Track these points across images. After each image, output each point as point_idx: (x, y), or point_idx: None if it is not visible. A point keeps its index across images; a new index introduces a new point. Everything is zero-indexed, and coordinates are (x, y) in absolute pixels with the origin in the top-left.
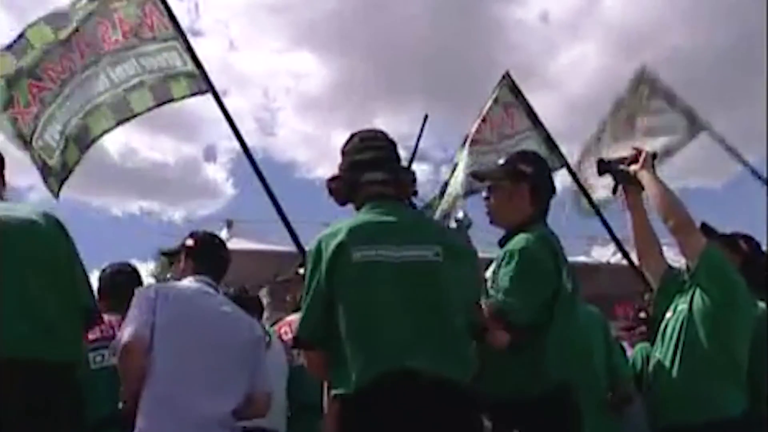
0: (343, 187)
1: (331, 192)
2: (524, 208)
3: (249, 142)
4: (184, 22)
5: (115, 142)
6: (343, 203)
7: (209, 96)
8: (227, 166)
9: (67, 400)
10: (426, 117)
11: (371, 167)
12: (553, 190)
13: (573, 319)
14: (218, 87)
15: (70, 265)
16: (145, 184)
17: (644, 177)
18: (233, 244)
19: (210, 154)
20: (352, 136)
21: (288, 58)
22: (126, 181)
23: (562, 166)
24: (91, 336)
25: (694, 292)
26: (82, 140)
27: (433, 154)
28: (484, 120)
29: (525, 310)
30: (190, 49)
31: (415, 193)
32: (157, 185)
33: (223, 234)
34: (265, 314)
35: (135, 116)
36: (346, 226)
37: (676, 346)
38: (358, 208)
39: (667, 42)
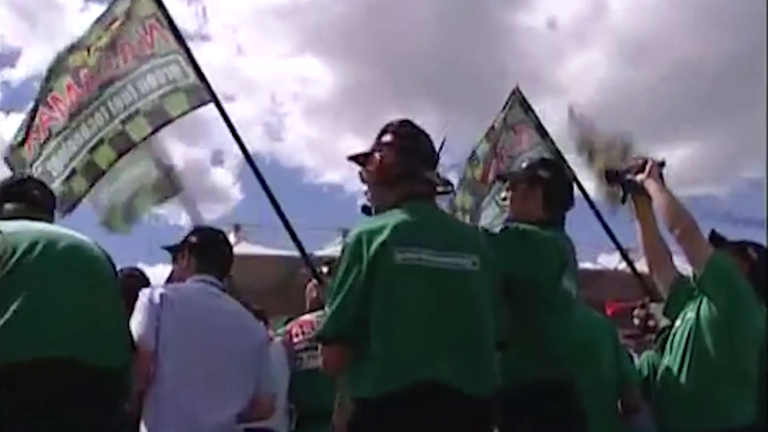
0: (400, 177)
1: (380, 174)
2: (537, 211)
3: (256, 147)
4: (191, 27)
5: None
6: (382, 194)
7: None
8: (235, 170)
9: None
10: (444, 140)
11: (430, 164)
12: (570, 200)
13: (571, 318)
14: (225, 92)
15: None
16: None
17: (651, 186)
18: (241, 249)
19: (217, 159)
20: (401, 125)
21: (295, 62)
22: None
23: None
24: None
25: (701, 301)
26: (89, 173)
27: (442, 161)
28: (496, 154)
29: None
30: (192, 60)
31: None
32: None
33: (231, 238)
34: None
35: (135, 146)
36: (391, 223)
37: (684, 354)
38: (396, 200)
39: (674, 50)
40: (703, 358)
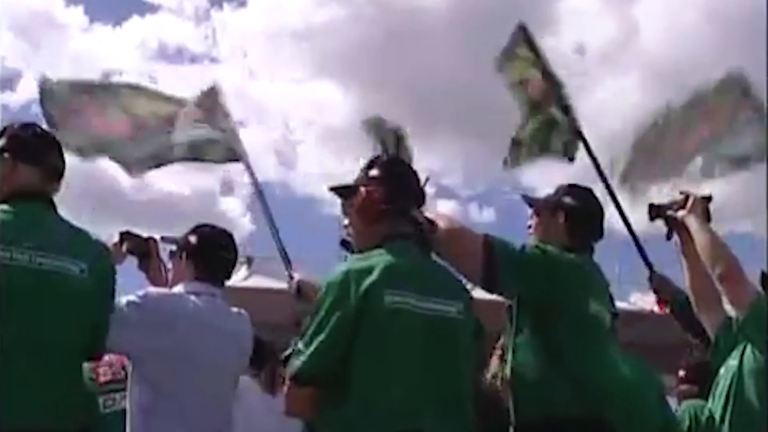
0: (381, 212)
1: (366, 208)
2: (560, 238)
3: (267, 176)
4: (200, 50)
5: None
6: (364, 230)
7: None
8: (245, 200)
9: None
10: (427, 178)
11: (415, 202)
12: (598, 229)
13: (603, 347)
14: (235, 117)
15: None
16: (159, 216)
17: (691, 223)
18: (253, 282)
19: (227, 188)
20: (391, 161)
21: (309, 87)
22: (139, 213)
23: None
24: (102, 378)
25: (745, 347)
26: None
27: (460, 192)
28: None
29: None
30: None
31: None
32: (171, 218)
33: (242, 271)
34: None
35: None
36: (381, 264)
37: (726, 403)
38: (378, 239)
39: (706, 76)
40: (745, 408)
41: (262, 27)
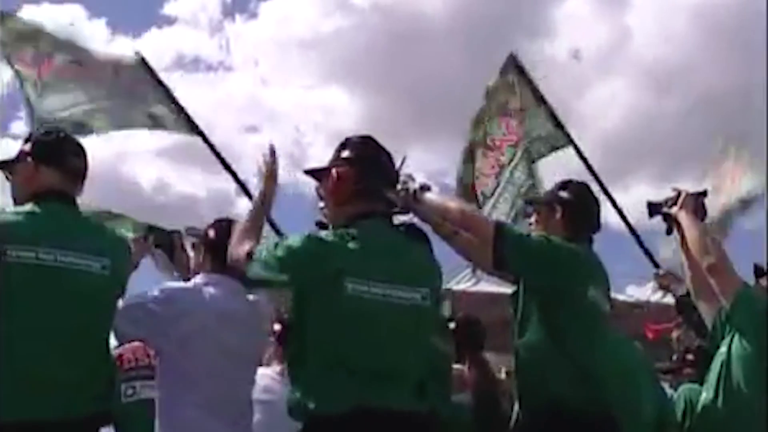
0: (357, 194)
1: (336, 188)
2: (558, 231)
3: (280, 177)
4: (214, 59)
5: (148, 176)
6: (336, 209)
7: (243, 131)
8: None
9: None
10: (404, 159)
11: (390, 183)
12: (594, 222)
13: (601, 332)
14: (249, 123)
15: None
16: (177, 218)
17: (682, 218)
18: None
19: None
20: (362, 141)
21: (319, 93)
22: (158, 215)
23: (569, 143)
24: (126, 365)
25: (733, 335)
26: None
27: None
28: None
29: None
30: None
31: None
32: (189, 220)
33: None
34: None
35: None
36: (344, 248)
37: (716, 390)
38: (348, 217)
39: (700, 80)
40: (734, 395)
41: (272, 37)
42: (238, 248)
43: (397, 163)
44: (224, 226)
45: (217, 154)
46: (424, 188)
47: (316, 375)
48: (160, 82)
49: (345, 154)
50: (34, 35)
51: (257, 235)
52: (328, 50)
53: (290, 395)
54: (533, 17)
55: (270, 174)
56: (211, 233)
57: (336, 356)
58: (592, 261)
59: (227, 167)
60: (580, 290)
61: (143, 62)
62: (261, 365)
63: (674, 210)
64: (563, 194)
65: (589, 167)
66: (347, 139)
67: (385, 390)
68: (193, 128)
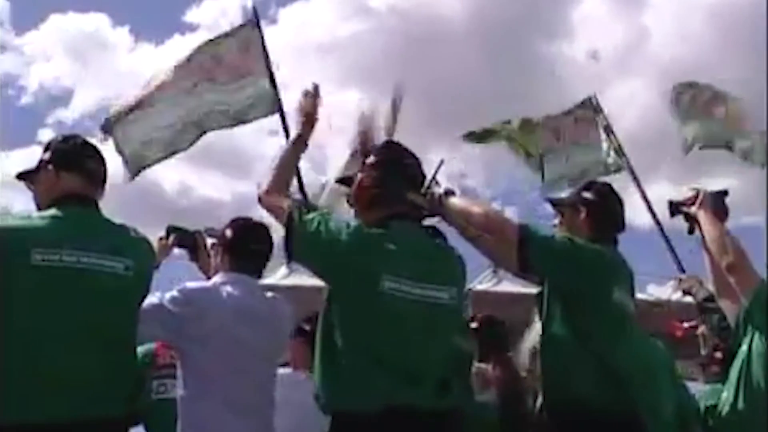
0: (378, 198)
1: (358, 194)
2: (583, 232)
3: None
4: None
5: (171, 179)
6: (362, 213)
7: (264, 134)
8: None
9: None
10: (441, 162)
11: (414, 187)
12: (619, 221)
13: (626, 333)
14: (269, 128)
15: None
16: (201, 221)
17: (701, 217)
18: (292, 280)
19: None
20: (392, 143)
21: (337, 97)
22: (182, 218)
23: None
24: (161, 361)
25: (753, 333)
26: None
27: (483, 192)
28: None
29: None
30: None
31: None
32: (212, 222)
33: (282, 270)
34: None
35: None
36: (381, 247)
37: (737, 388)
38: (375, 219)
39: (717, 79)
40: (755, 392)
41: (291, 42)
42: (274, 196)
43: (433, 168)
44: (240, 225)
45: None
46: (449, 193)
47: (347, 371)
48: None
49: (369, 160)
50: None
51: (289, 180)
52: (346, 54)
53: (319, 390)
54: (550, 19)
55: (308, 114)
56: (229, 233)
57: (368, 353)
58: (616, 262)
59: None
60: (604, 291)
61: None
62: (287, 364)
63: (693, 209)
64: (587, 195)
65: (654, 216)
66: (373, 146)
67: (414, 388)
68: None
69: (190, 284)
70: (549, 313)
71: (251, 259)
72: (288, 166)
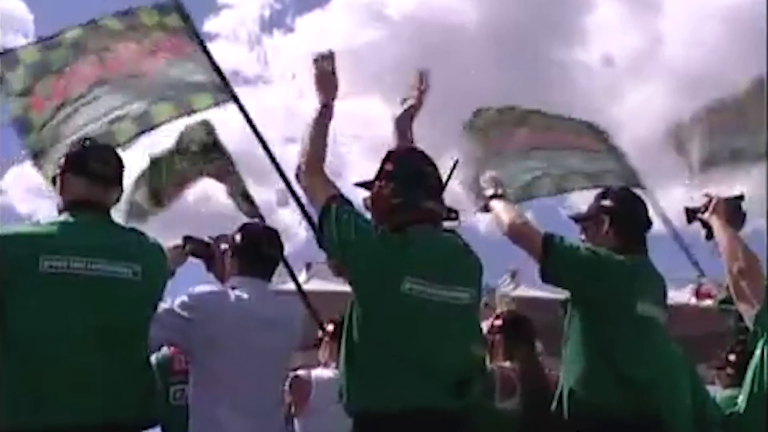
0: (397, 207)
1: (376, 203)
2: (609, 241)
3: None
4: (253, 72)
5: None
6: (380, 221)
7: (283, 142)
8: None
9: None
10: (456, 162)
11: (432, 195)
12: (643, 222)
13: (648, 344)
14: (287, 134)
15: None
16: (219, 228)
17: (714, 223)
18: (312, 285)
19: (282, 199)
20: (410, 151)
21: (355, 104)
22: (202, 225)
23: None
24: (177, 366)
25: (766, 338)
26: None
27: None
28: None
29: None
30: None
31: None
32: (231, 230)
33: (302, 275)
34: None
35: (157, 126)
36: (403, 249)
37: (750, 393)
38: (395, 226)
39: (732, 83)
40: (766, 398)
41: (309, 50)
42: (313, 177)
43: (447, 169)
44: (248, 229)
45: (255, 131)
46: (494, 196)
47: (368, 371)
48: (201, 42)
49: (388, 167)
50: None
51: (323, 153)
52: (363, 62)
53: (342, 390)
54: (564, 25)
55: (328, 78)
56: (238, 237)
57: (389, 353)
58: (641, 272)
59: (264, 147)
60: (626, 303)
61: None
62: (320, 364)
63: (706, 215)
64: (606, 203)
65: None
66: (390, 152)
67: (434, 388)
68: (232, 95)
69: (199, 288)
70: (571, 322)
71: (261, 262)
72: (319, 139)
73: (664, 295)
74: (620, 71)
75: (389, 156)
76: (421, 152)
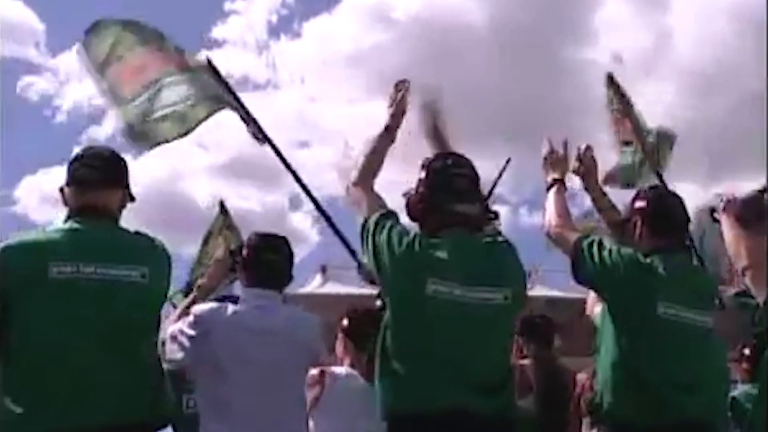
0: (427, 212)
1: (409, 210)
2: (645, 241)
3: (333, 191)
4: (262, 77)
5: (202, 191)
6: (415, 220)
7: (294, 146)
8: (313, 213)
9: None
10: (508, 160)
11: (463, 198)
12: (678, 220)
13: (673, 348)
14: (298, 139)
15: None
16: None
17: (723, 221)
18: (328, 289)
19: (295, 203)
20: (442, 156)
21: (364, 107)
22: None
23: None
24: (189, 376)
25: None
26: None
27: (510, 198)
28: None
29: None
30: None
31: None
32: (244, 233)
33: (318, 279)
34: None
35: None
36: (429, 253)
37: (761, 386)
38: (431, 231)
39: (742, 80)
40: None
41: (317, 54)
42: (360, 191)
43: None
44: (253, 239)
45: (284, 160)
46: (554, 183)
47: (399, 375)
48: (229, 89)
49: (421, 174)
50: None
51: (376, 171)
52: (370, 64)
53: (377, 394)
54: (572, 23)
55: (398, 106)
56: (245, 251)
57: (417, 356)
58: (670, 273)
59: (292, 172)
60: (645, 305)
61: (211, 66)
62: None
63: (716, 215)
64: (638, 204)
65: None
66: (426, 159)
67: (463, 389)
68: (264, 138)
69: (201, 305)
70: (601, 325)
71: (265, 270)
72: (376, 157)
73: (700, 297)
74: (630, 68)
75: (423, 164)
76: (455, 156)
